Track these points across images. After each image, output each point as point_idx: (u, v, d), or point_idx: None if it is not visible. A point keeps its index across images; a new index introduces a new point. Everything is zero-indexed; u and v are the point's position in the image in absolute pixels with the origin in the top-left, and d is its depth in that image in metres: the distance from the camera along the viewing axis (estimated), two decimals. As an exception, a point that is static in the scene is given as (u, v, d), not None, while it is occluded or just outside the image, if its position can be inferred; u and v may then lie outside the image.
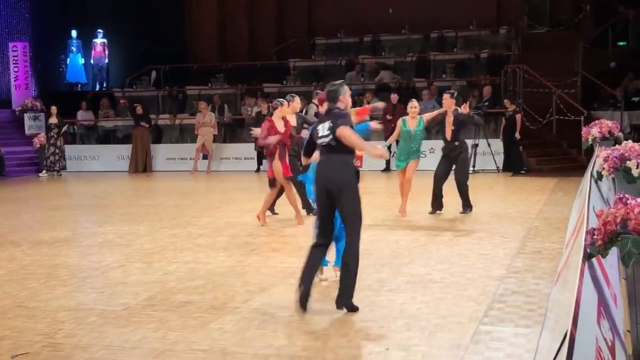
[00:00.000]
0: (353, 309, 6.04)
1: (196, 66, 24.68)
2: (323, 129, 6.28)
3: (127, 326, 5.82)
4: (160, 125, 22.00)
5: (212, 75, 23.42)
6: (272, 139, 9.99)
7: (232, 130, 21.57)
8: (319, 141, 6.32)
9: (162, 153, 20.99)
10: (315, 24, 25.53)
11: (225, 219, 11.15)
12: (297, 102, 10.75)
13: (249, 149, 19.27)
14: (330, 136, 6.17)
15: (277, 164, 10.18)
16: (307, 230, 9.97)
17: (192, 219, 11.34)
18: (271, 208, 11.01)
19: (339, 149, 6.17)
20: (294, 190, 10.41)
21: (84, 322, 5.96)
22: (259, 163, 19.33)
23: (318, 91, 10.42)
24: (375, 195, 12.38)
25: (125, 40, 24.82)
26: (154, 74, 24.20)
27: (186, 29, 26.06)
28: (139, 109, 20.38)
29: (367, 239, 9.12)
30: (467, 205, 11.00)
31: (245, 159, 19.86)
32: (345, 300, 6.09)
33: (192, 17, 25.84)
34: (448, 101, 11.01)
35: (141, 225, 10.82)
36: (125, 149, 20.95)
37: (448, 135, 10.94)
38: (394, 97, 18.14)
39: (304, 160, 7.15)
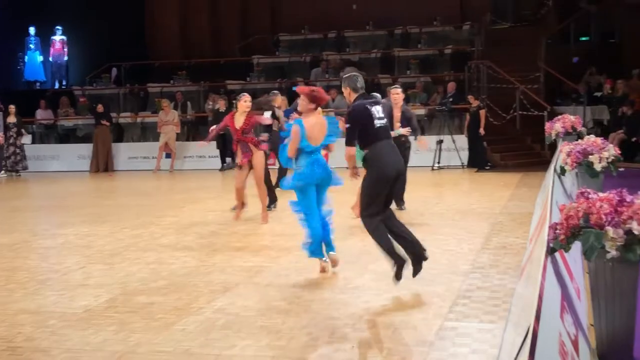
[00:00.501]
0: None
1: (158, 63, 24.48)
2: (377, 111, 6.59)
3: (88, 329, 5.75)
4: (121, 123, 21.81)
5: (174, 73, 23.25)
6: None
7: (196, 128, 21.45)
8: (379, 123, 6.55)
9: (124, 152, 20.81)
10: (279, 20, 25.48)
11: (189, 219, 11.08)
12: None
13: (212, 147, 19.17)
14: (385, 119, 6.61)
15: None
16: (271, 229, 9.96)
17: (155, 218, 11.25)
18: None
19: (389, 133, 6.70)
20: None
21: (43, 325, 5.87)
22: (223, 161, 19.28)
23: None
24: (341, 193, 12.37)
25: (85, 37, 24.54)
26: (114, 71, 23.96)
27: (147, 25, 25.83)
28: (100, 108, 20.19)
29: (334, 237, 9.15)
30: (401, 202, 10.94)
31: (209, 157, 19.76)
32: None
33: (154, 12, 25.62)
34: (398, 96, 10.87)
35: (102, 226, 10.70)
36: (86, 148, 20.73)
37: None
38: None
39: (349, 150, 6.79)
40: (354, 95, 6.74)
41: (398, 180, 6.75)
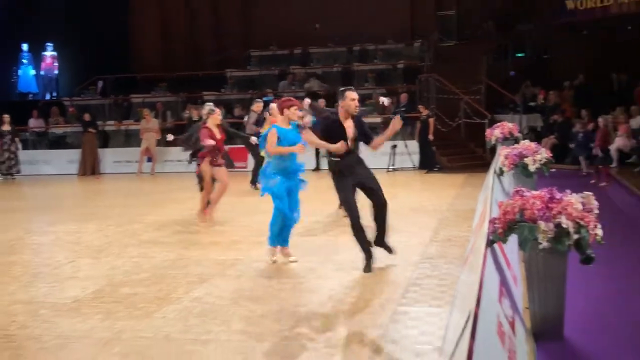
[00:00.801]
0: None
1: (140, 76, 24.25)
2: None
3: (77, 317, 5.68)
4: (107, 131, 21.54)
5: (155, 84, 23.06)
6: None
7: (175, 135, 21.22)
8: None
9: (110, 157, 20.57)
10: (250, 38, 25.37)
11: (169, 217, 10.99)
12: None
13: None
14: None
15: (205, 166, 10.08)
16: (243, 226, 9.92)
17: (138, 217, 11.13)
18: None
19: None
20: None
21: (36, 315, 5.79)
22: (198, 164, 19.13)
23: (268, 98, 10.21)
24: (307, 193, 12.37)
25: (74, 53, 24.23)
26: (100, 83, 23.66)
27: (130, 41, 25.58)
28: (87, 116, 19.98)
29: (300, 232, 9.14)
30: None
31: (187, 161, 19.55)
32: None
33: (136, 29, 25.40)
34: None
35: (90, 224, 10.57)
36: (75, 154, 20.46)
37: None
38: (322, 102, 18.16)
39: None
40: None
41: None
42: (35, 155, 21.04)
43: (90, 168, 19.89)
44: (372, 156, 16.91)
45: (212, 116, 10.07)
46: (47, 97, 24.79)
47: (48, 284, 6.84)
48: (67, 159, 20.69)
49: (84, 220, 10.94)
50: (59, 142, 21.95)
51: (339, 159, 6.88)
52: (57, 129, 21.92)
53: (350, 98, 6.93)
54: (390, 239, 8.49)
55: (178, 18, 25.14)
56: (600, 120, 13.77)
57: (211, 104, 10.58)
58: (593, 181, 12.28)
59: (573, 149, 15.39)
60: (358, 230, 6.83)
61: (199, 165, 10.35)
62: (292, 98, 7.77)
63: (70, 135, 21.68)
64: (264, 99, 19.62)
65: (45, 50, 24.46)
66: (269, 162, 7.47)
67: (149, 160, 19.71)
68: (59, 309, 5.95)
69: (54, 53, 24.55)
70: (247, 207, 11.25)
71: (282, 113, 7.39)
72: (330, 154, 6.95)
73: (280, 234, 7.37)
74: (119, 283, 6.77)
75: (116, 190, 16.29)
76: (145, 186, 17.28)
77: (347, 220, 6.98)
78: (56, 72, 24.86)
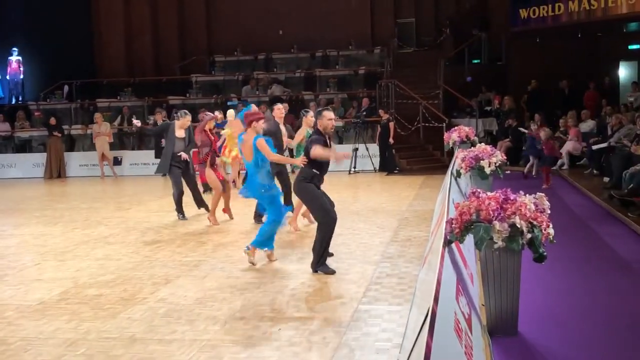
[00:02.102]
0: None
1: (106, 81, 23.92)
2: None
3: (42, 319, 5.57)
4: (73, 134, 21.19)
5: (121, 89, 22.76)
6: None
7: (140, 139, 21.04)
8: None
9: (75, 160, 20.24)
10: (214, 43, 25.22)
11: (134, 219, 10.85)
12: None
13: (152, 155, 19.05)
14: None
15: (209, 172, 10.09)
16: (206, 228, 9.85)
17: (104, 219, 10.98)
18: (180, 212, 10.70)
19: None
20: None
21: (1, 317, 5.66)
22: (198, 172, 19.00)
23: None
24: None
25: (39, 58, 23.76)
26: (66, 88, 23.26)
27: (95, 46, 25.20)
28: (52, 120, 19.62)
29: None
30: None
31: (152, 164, 19.28)
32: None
33: (101, 36, 25.02)
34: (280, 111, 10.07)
35: (56, 227, 10.38)
36: (41, 157, 20.10)
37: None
38: (285, 107, 18.13)
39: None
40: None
41: None
42: (0, 159, 20.62)
43: (56, 171, 19.55)
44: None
45: (210, 122, 10.29)
46: (13, 101, 24.27)
47: (13, 287, 6.70)
48: (33, 163, 20.32)
49: (50, 223, 10.74)
50: (24, 146, 21.53)
51: (319, 172, 6.96)
52: (23, 132, 21.48)
53: (328, 118, 7.01)
54: (352, 238, 8.53)
55: (143, 23, 24.87)
56: (542, 132, 14.00)
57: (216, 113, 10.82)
58: (544, 186, 12.47)
59: (524, 151, 15.63)
60: (330, 234, 6.82)
61: (198, 173, 10.47)
62: (259, 112, 7.74)
63: (36, 138, 21.28)
64: (228, 103, 19.54)
65: (10, 55, 23.93)
66: (256, 172, 7.26)
67: (115, 162, 19.55)
68: (23, 310, 5.83)
69: (19, 58, 24.04)
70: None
71: (250, 126, 7.30)
72: (310, 165, 6.90)
73: (269, 238, 7.35)
74: (85, 285, 6.66)
75: (82, 193, 16.03)
76: (111, 189, 17.05)
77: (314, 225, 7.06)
78: (22, 76, 24.33)
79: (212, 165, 10.18)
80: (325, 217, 6.82)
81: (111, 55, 24.77)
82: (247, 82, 22.35)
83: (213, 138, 10.30)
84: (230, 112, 11.96)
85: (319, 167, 6.95)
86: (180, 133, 10.50)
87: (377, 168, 17.71)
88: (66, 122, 21.36)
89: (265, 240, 7.30)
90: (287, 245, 8.26)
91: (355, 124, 18.11)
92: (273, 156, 7.33)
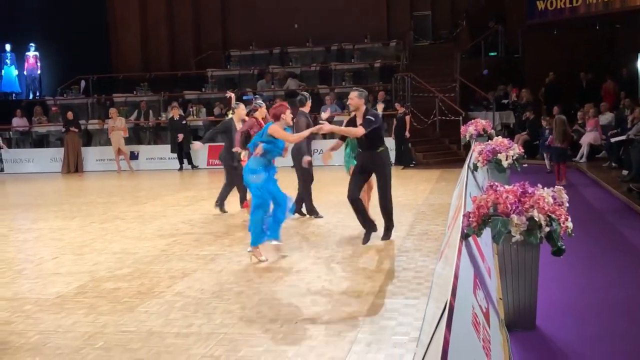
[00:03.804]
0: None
1: (122, 76, 24.06)
2: None
3: (60, 312, 5.61)
4: (90, 129, 21.34)
5: (137, 84, 22.86)
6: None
7: (156, 133, 21.15)
8: None
9: (92, 155, 20.39)
10: (229, 38, 25.27)
11: (151, 213, 10.91)
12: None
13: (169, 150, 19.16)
14: None
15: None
16: (223, 221, 9.86)
17: (120, 213, 11.04)
18: (221, 205, 10.46)
19: None
20: None
21: (19, 310, 5.71)
22: (181, 162, 19.08)
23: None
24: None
25: (56, 53, 23.93)
26: (83, 83, 23.41)
27: (112, 42, 25.34)
28: (70, 115, 19.77)
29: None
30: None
31: (169, 158, 19.51)
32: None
33: (117, 31, 25.18)
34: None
35: (73, 221, 10.46)
36: (58, 152, 20.28)
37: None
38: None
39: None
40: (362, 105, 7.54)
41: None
42: (18, 154, 20.82)
43: (73, 166, 19.70)
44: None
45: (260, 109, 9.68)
46: (30, 96, 24.47)
47: (31, 280, 6.76)
48: (51, 157, 20.52)
49: (67, 218, 10.82)
50: (42, 141, 21.71)
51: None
52: (41, 127, 21.67)
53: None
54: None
55: (158, 18, 24.97)
56: (544, 122, 13.74)
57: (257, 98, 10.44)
58: (558, 181, 12.13)
59: (540, 145, 15.45)
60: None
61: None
62: (284, 103, 7.66)
63: (54, 133, 21.46)
64: (244, 97, 19.58)
65: (28, 50, 24.13)
66: (252, 158, 7.29)
67: (132, 157, 19.70)
68: (42, 304, 5.87)
69: (37, 53, 24.24)
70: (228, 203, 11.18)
71: (277, 118, 7.16)
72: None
73: (270, 228, 7.17)
74: (102, 278, 6.71)
75: (98, 187, 16.14)
76: (128, 184, 17.14)
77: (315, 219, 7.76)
78: (39, 72, 24.54)
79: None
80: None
81: (127, 51, 24.90)
82: (263, 76, 22.38)
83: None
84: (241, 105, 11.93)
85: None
86: (240, 126, 10.22)
87: (393, 162, 17.64)
88: (83, 117, 21.52)
89: (259, 233, 7.09)
90: (303, 239, 8.26)
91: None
92: (292, 137, 7.36)
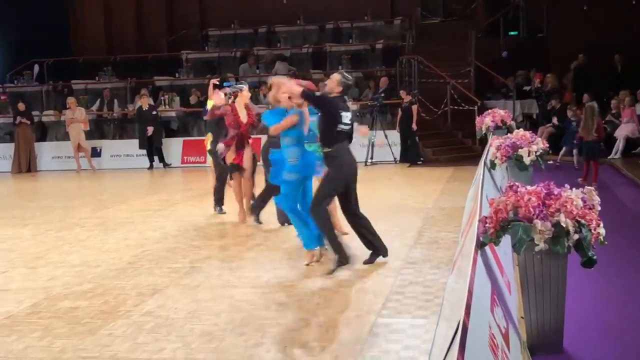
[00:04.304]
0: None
1: (82, 59, 24.02)
2: (347, 117, 7.14)
3: (10, 335, 5.59)
4: (44, 122, 21.31)
5: (100, 69, 22.83)
6: (220, 147, 9.58)
7: (122, 126, 21.13)
8: (345, 128, 7.12)
9: (47, 151, 20.36)
10: (207, 15, 25.26)
11: (116, 220, 10.88)
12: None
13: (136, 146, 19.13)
14: (351, 125, 7.23)
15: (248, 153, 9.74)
16: (200, 228, 9.85)
17: (81, 220, 11.02)
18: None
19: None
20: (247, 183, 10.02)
21: (-38, 334, 5.69)
22: (151, 160, 19.06)
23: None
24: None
25: (6, 33, 23.87)
26: (36, 68, 23.37)
27: (71, 19, 25.30)
28: (21, 105, 19.71)
29: (265, 235, 9.11)
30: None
31: (137, 155, 19.49)
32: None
33: (77, 6, 25.14)
34: None
35: (25, 229, 10.43)
36: (8, 148, 20.24)
37: None
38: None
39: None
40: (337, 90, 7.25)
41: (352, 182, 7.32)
42: (-40, 150, 20.78)
43: (25, 164, 19.66)
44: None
45: (241, 94, 9.79)
46: (-25, 83, 24.42)
47: (-24, 298, 6.74)
48: (-1, 155, 20.48)
49: (18, 225, 10.79)
50: (-12, 135, 21.67)
51: None
52: (-14, 120, 21.64)
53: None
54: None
55: (125, -8, 24.96)
56: (569, 112, 13.74)
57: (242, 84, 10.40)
58: (580, 179, 12.00)
59: (563, 139, 15.46)
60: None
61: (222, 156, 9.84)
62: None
63: (2, 127, 21.40)
64: (225, 84, 19.55)
65: (-29, 29, 24.12)
66: (284, 147, 7.44)
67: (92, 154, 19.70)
68: (-11, 326, 5.86)
69: (-17, 33, 24.23)
70: (208, 208, 11.18)
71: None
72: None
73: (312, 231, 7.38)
74: (59, 296, 6.69)
75: (55, 190, 16.11)
76: (89, 185, 17.12)
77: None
78: (-16, 54, 24.52)
79: (239, 148, 9.76)
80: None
81: (89, 30, 24.86)
82: (246, 59, 22.37)
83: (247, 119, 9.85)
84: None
85: None
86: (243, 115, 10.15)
87: (398, 159, 17.69)
88: (36, 108, 21.48)
89: (309, 235, 7.41)
90: (294, 249, 8.26)
91: (372, 107, 18.09)
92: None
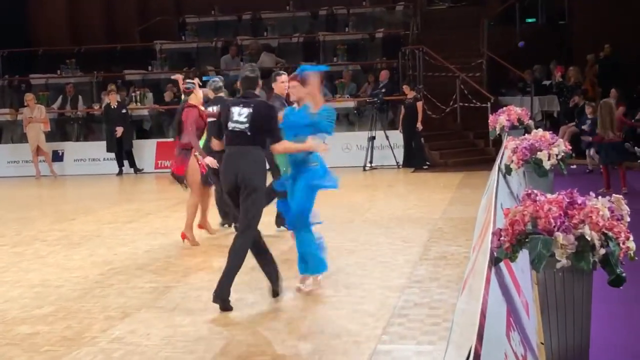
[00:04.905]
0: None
1: (42, 50, 23.97)
2: (240, 114, 6.70)
3: (-40, 366, 5.59)
4: (-2, 122, 21.32)
5: (62, 61, 22.81)
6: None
7: (88, 126, 21.12)
8: (231, 126, 6.72)
9: (2, 155, 20.34)
10: (185, 0, 25.29)
11: (81, 233, 10.87)
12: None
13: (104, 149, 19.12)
14: (247, 125, 6.65)
15: (194, 162, 9.46)
16: (176, 243, 9.84)
17: (40, 233, 11.01)
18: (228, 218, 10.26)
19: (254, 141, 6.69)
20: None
21: None
22: (120, 165, 19.04)
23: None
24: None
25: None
26: (-10, 60, 23.39)
27: (28, 4, 25.27)
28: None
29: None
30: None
31: (104, 159, 19.48)
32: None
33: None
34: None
35: (-23, 243, 10.43)
36: (-43, 152, 20.20)
37: None
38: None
39: (216, 144, 7.51)
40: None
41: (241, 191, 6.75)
42: None
43: (-25, 170, 19.64)
44: (345, 151, 16.99)
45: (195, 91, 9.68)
46: None
47: None
48: (-55, 159, 20.43)
49: (-31, 239, 10.79)
50: None
51: None
52: None
53: (281, 81, 7.05)
54: (368, 256, 8.53)
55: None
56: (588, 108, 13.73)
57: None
58: (603, 188, 11.84)
59: (581, 140, 15.48)
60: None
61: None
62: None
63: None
64: (204, 78, 19.53)
65: None
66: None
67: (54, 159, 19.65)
68: None
69: None
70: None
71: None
72: None
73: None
74: (15, 320, 6.67)
75: (11, 198, 16.08)
76: (49, 193, 17.11)
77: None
78: None
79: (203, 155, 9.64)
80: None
81: (49, 17, 24.82)
82: (228, 50, 22.38)
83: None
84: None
85: None
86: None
87: (401, 163, 17.71)
88: (-10, 106, 21.44)
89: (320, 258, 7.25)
90: (282, 264, 8.24)
91: (371, 104, 18.12)
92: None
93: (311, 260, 7.19)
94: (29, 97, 19.73)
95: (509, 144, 8.88)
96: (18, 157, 20.12)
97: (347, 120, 19.62)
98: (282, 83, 9.60)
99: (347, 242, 9.40)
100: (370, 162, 17.51)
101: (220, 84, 10.36)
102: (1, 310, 7.02)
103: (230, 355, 5.56)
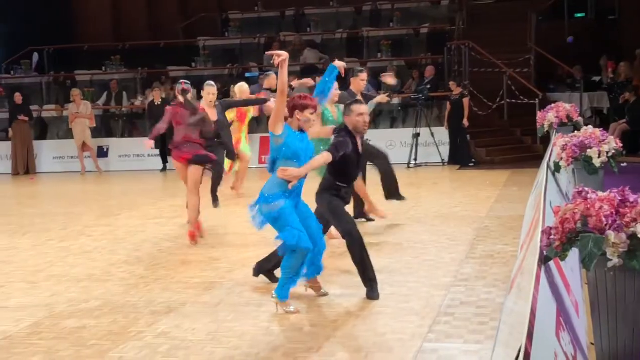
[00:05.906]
0: None
1: (87, 47, 24.25)
2: None
3: (9, 359, 5.67)
4: (44, 118, 21.54)
5: (107, 58, 23.02)
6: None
7: (132, 123, 21.30)
8: None
9: (48, 151, 20.56)
10: (228, -4, 25.44)
11: (126, 228, 10.99)
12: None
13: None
14: None
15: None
16: (221, 239, 9.92)
17: (86, 228, 11.14)
18: None
19: None
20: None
21: (-45, 357, 5.79)
22: (165, 161, 19.17)
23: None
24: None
25: (1, 18, 24.20)
26: (35, 56, 23.63)
27: (74, 2, 25.57)
28: (18, 98, 19.89)
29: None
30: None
31: (148, 156, 19.61)
32: None
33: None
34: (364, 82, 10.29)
35: (24, 238, 10.57)
36: (4, 147, 20.43)
37: None
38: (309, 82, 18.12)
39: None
40: None
41: None
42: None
43: (22, 166, 19.84)
44: (389, 148, 16.94)
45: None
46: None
47: (-30, 317, 6.85)
48: (-6, 155, 20.71)
49: (16, 234, 10.94)
50: (-19, 133, 21.95)
51: (345, 185, 7.09)
52: (-20, 115, 21.92)
53: (357, 113, 6.91)
54: (414, 254, 8.52)
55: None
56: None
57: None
58: None
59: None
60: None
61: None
62: (308, 95, 7.29)
63: (-3, 123, 21.69)
64: (247, 74, 19.63)
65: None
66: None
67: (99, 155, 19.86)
68: (-16, 348, 5.95)
69: (-24, 18, 24.60)
70: (228, 215, 11.25)
71: (291, 115, 6.82)
72: (331, 173, 7.05)
73: (310, 265, 6.82)
74: (62, 314, 6.76)
75: (57, 194, 16.29)
76: (95, 189, 17.30)
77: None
78: (-22, 42, 24.87)
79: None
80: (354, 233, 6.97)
81: (94, 15, 25.07)
82: (271, 46, 22.44)
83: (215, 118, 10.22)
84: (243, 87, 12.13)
85: (344, 177, 7.01)
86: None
87: (447, 160, 17.64)
88: (36, 102, 21.69)
89: (293, 277, 6.63)
90: (326, 262, 8.26)
91: (416, 100, 18.05)
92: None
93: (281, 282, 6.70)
94: (75, 92, 19.91)
95: (558, 141, 8.81)
96: (64, 153, 20.34)
97: (390, 117, 19.58)
98: (362, 81, 9.79)
99: (391, 240, 9.40)
100: (415, 159, 17.44)
101: None
102: (48, 304, 7.13)
103: (276, 351, 5.58)
